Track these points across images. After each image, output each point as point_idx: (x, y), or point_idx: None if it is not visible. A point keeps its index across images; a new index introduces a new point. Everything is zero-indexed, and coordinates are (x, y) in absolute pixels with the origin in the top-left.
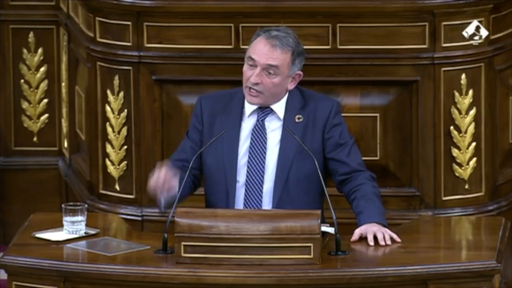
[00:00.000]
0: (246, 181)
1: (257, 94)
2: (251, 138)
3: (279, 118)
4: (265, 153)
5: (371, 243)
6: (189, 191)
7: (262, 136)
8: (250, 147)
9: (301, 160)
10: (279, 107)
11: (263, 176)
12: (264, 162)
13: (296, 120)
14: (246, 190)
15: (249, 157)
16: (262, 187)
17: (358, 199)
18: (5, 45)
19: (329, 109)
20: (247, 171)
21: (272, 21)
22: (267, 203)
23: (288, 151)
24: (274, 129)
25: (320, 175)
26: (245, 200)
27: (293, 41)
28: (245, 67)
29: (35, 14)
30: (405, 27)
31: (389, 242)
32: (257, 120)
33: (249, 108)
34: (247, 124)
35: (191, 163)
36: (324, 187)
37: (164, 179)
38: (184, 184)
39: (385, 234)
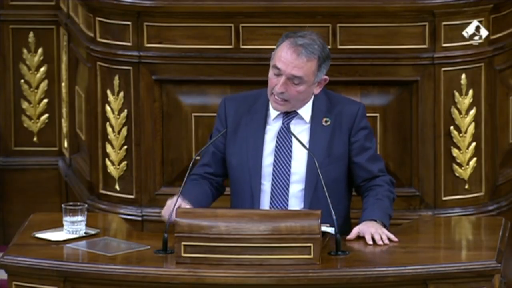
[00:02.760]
0: (272, 184)
1: (283, 102)
2: (276, 142)
3: (305, 122)
4: (290, 156)
5: (370, 242)
6: (211, 200)
7: (287, 140)
8: (275, 151)
9: (329, 164)
10: (305, 111)
11: (289, 180)
12: (289, 166)
13: (324, 124)
14: (272, 193)
15: (274, 160)
16: (288, 191)
17: (368, 197)
18: (5, 45)
19: (355, 112)
20: (273, 175)
21: (272, 21)
22: (294, 207)
23: (316, 155)
24: (299, 132)
25: (322, 181)
26: (271, 203)
27: (319, 47)
28: (271, 74)
29: (35, 14)
30: (405, 27)
31: (386, 241)
32: (282, 123)
33: (274, 111)
34: (273, 127)
35: (212, 170)
36: (324, 186)
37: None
38: (205, 195)
39: (382, 235)
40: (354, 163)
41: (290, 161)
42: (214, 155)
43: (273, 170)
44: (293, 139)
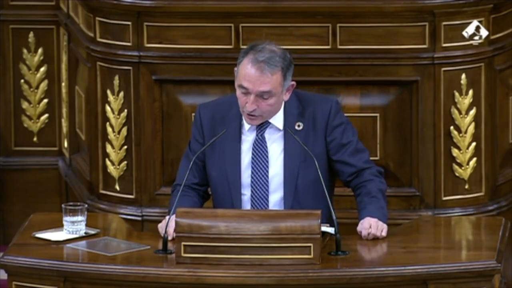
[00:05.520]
0: (252, 195)
1: (256, 117)
2: (252, 152)
3: (278, 129)
4: (267, 166)
5: (361, 232)
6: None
7: (263, 149)
8: (252, 161)
9: (307, 167)
10: (277, 119)
11: (267, 189)
12: (267, 175)
13: (296, 128)
14: (252, 204)
15: (252, 171)
16: (268, 200)
17: (362, 196)
18: (5, 45)
19: (327, 111)
20: (251, 185)
21: (272, 21)
22: None
23: (293, 160)
24: (275, 140)
25: (322, 180)
26: None
27: (280, 58)
28: (238, 93)
29: (35, 14)
30: (405, 27)
31: (378, 233)
32: (257, 134)
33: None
34: (248, 137)
35: (197, 180)
36: (324, 186)
37: (172, 228)
38: (195, 206)
39: (378, 225)
40: (335, 161)
41: (267, 170)
42: (196, 165)
43: (252, 181)
44: (269, 148)
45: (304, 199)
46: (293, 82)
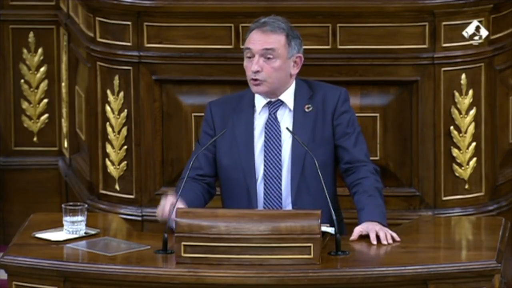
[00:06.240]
0: (264, 176)
1: (260, 82)
2: (265, 134)
3: (289, 109)
4: (280, 146)
5: (374, 241)
6: (203, 204)
7: (276, 130)
8: (265, 143)
9: (314, 148)
10: (288, 97)
11: (280, 170)
12: (280, 156)
13: (306, 110)
14: (265, 186)
15: (265, 152)
16: (281, 181)
17: (359, 194)
18: (5, 45)
19: (337, 97)
20: (264, 167)
21: None
22: (286, 196)
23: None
24: (286, 122)
25: (322, 180)
26: (264, 196)
27: (285, 25)
28: (245, 62)
29: (35, 14)
30: (405, 27)
31: (390, 241)
32: (269, 115)
33: (259, 104)
34: (259, 121)
35: (203, 172)
36: (322, 182)
37: (170, 207)
38: (197, 198)
39: (386, 233)
40: (338, 146)
41: (280, 152)
42: (205, 156)
43: (265, 164)
44: (282, 128)
45: (311, 181)
46: (301, 55)
